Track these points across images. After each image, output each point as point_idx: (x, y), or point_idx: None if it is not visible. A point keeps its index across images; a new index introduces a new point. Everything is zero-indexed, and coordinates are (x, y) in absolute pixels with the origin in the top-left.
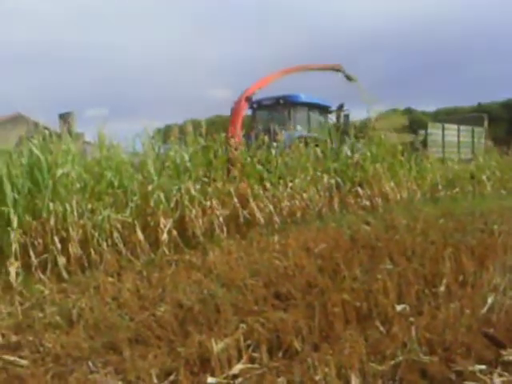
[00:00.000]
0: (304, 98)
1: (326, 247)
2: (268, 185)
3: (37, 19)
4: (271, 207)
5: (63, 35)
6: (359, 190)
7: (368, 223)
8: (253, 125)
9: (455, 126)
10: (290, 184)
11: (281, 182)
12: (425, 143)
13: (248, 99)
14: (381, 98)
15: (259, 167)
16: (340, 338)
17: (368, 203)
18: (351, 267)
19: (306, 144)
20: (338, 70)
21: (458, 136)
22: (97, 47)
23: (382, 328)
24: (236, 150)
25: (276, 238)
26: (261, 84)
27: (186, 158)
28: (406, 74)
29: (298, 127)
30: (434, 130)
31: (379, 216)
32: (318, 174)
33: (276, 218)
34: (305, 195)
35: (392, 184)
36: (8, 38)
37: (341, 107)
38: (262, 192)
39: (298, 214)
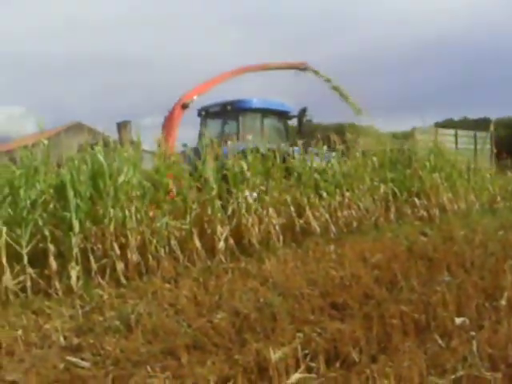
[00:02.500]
0: (256, 103)
1: (382, 258)
2: (324, 194)
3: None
4: (327, 216)
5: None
6: (416, 200)
7: (425, 234)
8: (201, 135)
9: (451, 131)
10: (347, 193)
11: (337, 191)
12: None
13: (184, 106)
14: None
15: (316, 176)
16: (398, 349)
17: (425, 214)
18: (408, 278)
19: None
20: (303, 69)
21: (456, 142)
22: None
23: (440, 341)
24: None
25: (332, 247)
26: (200, 89)
27: (245, 167)
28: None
29: (249, 137)
30: (424, 136)
31: (436, 227)
32: (375, 183)
33: (332, 228)
34: (361, 205)
35: (450, 194)
36: (68, 48)
37: (303, 112)
38: (317, 201)
39: (354, 224)
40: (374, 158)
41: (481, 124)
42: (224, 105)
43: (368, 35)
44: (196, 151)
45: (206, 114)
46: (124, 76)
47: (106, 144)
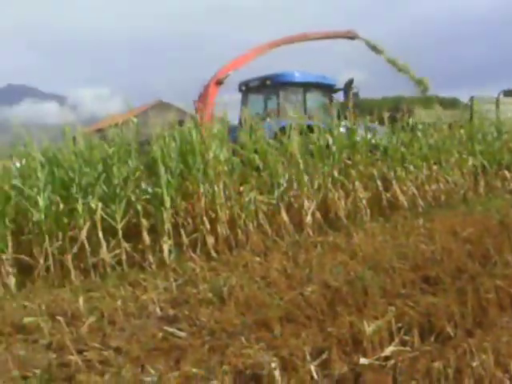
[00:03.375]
0: (297, 76)
1: (473, 232)
2: (411, 167)
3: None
4: (414, 190)
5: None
6: (506, 173)
7: None
8: (241, 110)
9: None
10: (434, 167)
11: (424, 164)
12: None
13: (219, 82)
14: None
15: (402, 149)
16: (495, 324)
17: None
18: (502, 253)
19: (300, 133)
20: (351, 38)
21: None
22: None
23: None
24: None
25: (421, 221)
26: (236, 64)
27: (330, 141)
28: None
29: (289, 113)
30: (483, 106)
31: None
32: (463, 156)
33: (420, 202)
34: (449, 178)
35: None
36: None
37: (349, 84)
38: (404, 175)
39: (442, 198)
40: (462, 131)
41: None
42: (263, 79)
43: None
44: (234, 129)
45: (247, 89)
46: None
47: (195, 121)
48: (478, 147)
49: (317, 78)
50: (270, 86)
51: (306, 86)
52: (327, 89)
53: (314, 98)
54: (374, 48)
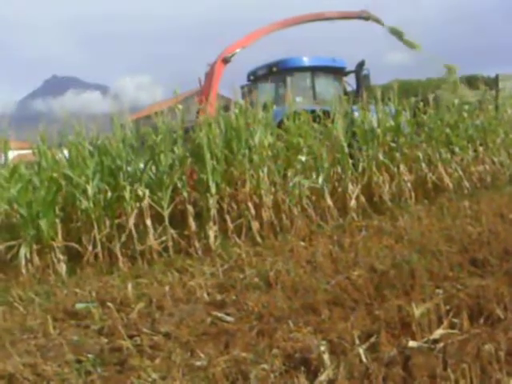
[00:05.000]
0: (305, 61)
1: None
2: (457, 149)
3: None
4: (460, 172)
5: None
6: None
7: None
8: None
9: None
10: (480, 148)
11: (470, 146)
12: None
13: (226, 60)
14: None
15: (447, 130)
16: None
17: None
18: None
19: (314, 120)
20: (365, 19)
21: None
22: None
23: None
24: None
25: (467, 203)
26: (244, 41)
27: (375, 123)
28: None
29: (298, 99)
30: (509, 84)
31: None
32: (510, 136)
33: (465, 183)
34: (495, 159)
35: None
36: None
37: (361, 66)
38: (450, 156)
39: (489, 179)
40: (510, 111)
41: None
42: (270, 66)
43: None
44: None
45: (255, 78)
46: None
47: (240, 107)
48: None
49: (325, 61)
50: (276, 72)
51: (315, 71)
52: (337, 72)
53: (324, 82)
54: (392, 30)
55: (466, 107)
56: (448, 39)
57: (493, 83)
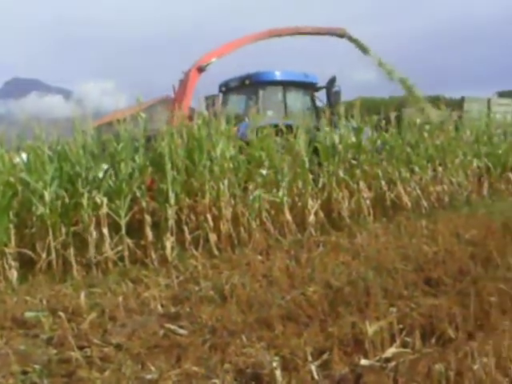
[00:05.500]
0: (276, 75)
1: (476, 234)
2: (416, 168)
3: None
4: (419, 191)
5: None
6: (510, 175)
7: None
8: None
9: (508, 101)
10: (439, 168)
11: (429, 165)
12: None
13: (201, 69)
14: None
15: (408, 149)
16: (497, 328)
17: None
18: (505, 256)
19: (277, 134)
20: (340, 36)
21: None
22: None
23: None
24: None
25: (424, 222)
26: (220, 51)
27: (337, 140)
28: None
29: (269, 112)
30: (475, 106)
31: None
32: (468, 157)
33: (423, 203)
34: (453, 180)
35: None
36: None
37: (332, 82)
38: (409, 175)
39: (446, 199)
40: (468, 132)
41: None
42: (242, 79)
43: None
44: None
45: (227, 89)
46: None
47: (203, 118)
48: (484, 149)
49: (298, 76)
50: (249, 85)
51: (287, 85)
52: (309, 87)
53: (295, 97)
54: (361, 47)
55: (427, 127)
56: (414, 57)
57: (456, 105)
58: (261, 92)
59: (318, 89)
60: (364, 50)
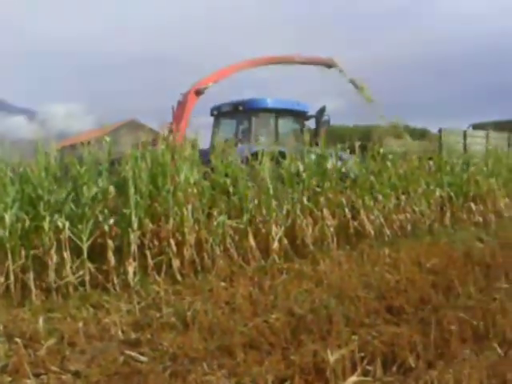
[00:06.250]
0: (269, 102)
1: (438, 263)
2: (380, 196)
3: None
4: (382, 219)
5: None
6: (472, 205)
7: (481, 240)
8: (213, 135)
9: (482, 133)
10: (402, 196)
11: (392, 194)
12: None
13: (198, 92)
14: None
15: (372, 178)
16: (456, 356)
17: (481, 219)
18: (466, 284)
19: (271, 159)
20: (329, 66)
21: (487, 144)
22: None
23: (500, 350)
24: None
25: (386, 250)
26: (217, 76)
27: (301, 167)
28: None
29: (262, 139)
30: (452, 138)
31: (492, 233)
32: (431, 187)
33: (386, 231)
34: (416, 208)
35: (507, 200)
36: (121, 48)
37: (322, 111)
38: (372, 203)
39: (409, 228)
40: (431, 162)
41: None
42: (236, 104)
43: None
44: (205, 152)
45: (219, 113)
46: (175, 75)
47: (167, 143)
48: (446, 178)
49: (289, 104)
50: (242, 111)
51: (279, 112)
52: (300, 115)
53: (286, 124)
54: (350, 80)
55: (390, 156)
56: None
57: (421, 135)
58: (253, 118)
59: (308, 117)
60: (350, 80)
